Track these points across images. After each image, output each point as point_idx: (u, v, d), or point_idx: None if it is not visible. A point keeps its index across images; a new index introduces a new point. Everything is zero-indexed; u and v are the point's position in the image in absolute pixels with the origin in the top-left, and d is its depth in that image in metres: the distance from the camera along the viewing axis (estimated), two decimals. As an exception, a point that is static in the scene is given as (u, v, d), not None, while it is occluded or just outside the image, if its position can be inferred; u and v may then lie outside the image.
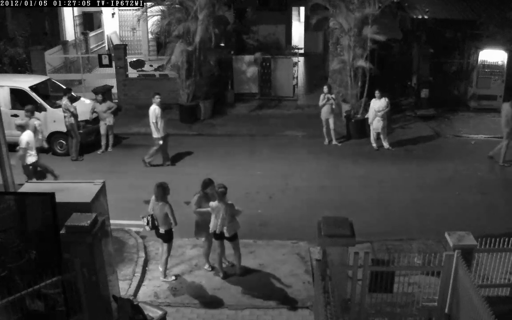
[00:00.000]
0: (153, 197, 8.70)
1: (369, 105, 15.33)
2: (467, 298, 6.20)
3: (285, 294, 8.60)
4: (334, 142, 15.55)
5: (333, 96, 15.34)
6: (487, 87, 18.46)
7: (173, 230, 8.82)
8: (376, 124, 15.01)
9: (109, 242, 7.40)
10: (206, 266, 9.27)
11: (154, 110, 13.42)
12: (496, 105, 18.45)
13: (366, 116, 15.57)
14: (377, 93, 14.82)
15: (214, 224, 8.63)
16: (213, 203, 8.60)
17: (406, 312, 7.19)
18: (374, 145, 15.22)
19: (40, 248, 6.48)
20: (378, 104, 14.80)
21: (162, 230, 8.70)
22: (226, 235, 8.72)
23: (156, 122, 13.39)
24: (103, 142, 14.97)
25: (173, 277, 9.08)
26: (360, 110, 16.23)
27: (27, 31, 19.95)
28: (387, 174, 13.58)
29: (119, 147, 15.51)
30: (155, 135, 13.58)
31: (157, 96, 13.60)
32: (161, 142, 13.61)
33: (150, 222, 8.65)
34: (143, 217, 8.74)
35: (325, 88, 15.32)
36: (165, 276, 9.03)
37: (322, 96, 15.24)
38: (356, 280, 6.85)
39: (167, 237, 8.78)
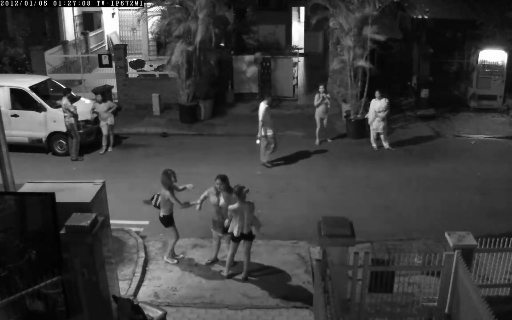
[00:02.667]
0: None
1: (369, 105, 15.33)
2: (467, 298, 6.20)
3: (285, 294, 8.59)
4: (318, 141, 15.51)
5: (328, 95, 15.31)
6: (487, 87, 18.47)
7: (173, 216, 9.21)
8: (376, 124, 15.00)
9: (109, 242, 7.40)
10: (212, 257, 9.39)
11: (265, 109, 13.36)
12: (496, 105, 18.51)
13: (366, 116, 15.56)
14: (377, 93, 14.82)
15: (239, 226, 8.53)
16: (235, 205, 8.46)
17: (406, 312, 7.19)
18: (374, 145, 15.22)
19: (40, 248, 6.47)
20: (378, 104, 14.79)
21: (160, 214, 9.16)
22: (255, 233, 8.72)
23: (264, 121, 13.39)
24: (104, 143, 14.97)
25: (175, 261, 9.44)
26: (360, 110, 16.23)
27: (27, 31, 19.95)
28: (387, 174, 13.58)
29: (119, 147, 15.51)
30: (270, 133, 13.53)
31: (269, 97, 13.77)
32: (263, 140, 13.62)
33: (154, 199, 9.26)
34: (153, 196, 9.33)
35: (321, 88, 15.26)
36: (167, 257, 9.44)
37: (317, 95, 15.17)
38: (356, 280, 6.85)
39: (165, 222, 9.18)
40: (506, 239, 7.29)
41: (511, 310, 7.05)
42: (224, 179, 8.86)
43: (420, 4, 19.76)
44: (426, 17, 19.27)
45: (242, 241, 8.77)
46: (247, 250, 8.88)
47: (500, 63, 18.35)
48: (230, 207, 8.53)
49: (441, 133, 16.64)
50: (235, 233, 8.59)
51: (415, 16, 19.56)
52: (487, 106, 18.47)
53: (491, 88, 18.46)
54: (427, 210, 11.54)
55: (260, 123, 13.45)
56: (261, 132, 13.51)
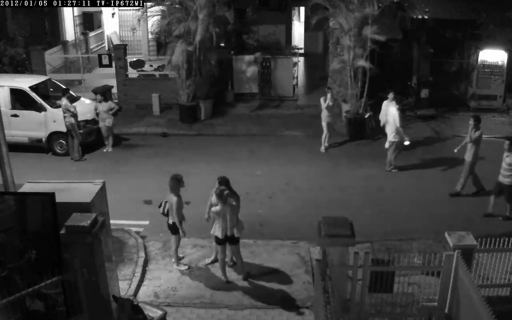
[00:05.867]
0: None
1: (369, 105, 15.29)
2: (467, 298, 6.20)
3: (285, 294, 8.60)
4: (327, 144, 15.19)
5: (332, 99, 15.09)
6: (487, 87, 18.49)
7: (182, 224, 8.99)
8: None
9: (109, 242, 7.40)
10: (213, 257, 9.37)
11: (396, 113, 13.17)
12: (496, 105, 18.53)
13: (380, 118, 15.07)
14: (390, 95, 14.52)
15: (222, 228, 8.50)
16: (217, 208, 8.44)
17: (406, 312, 7.19)
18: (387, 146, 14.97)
19: (40, 248, 6.48)
20: (391, 106, 14.55)
21: (170, 221, 8.94)
22: (237, 235, 8.65)
23: (397, 125, 13.13)
24: (106, 142, 15.08)
25: (186, 266, 9.31)
26: (360, 110, 16.23)
27: (27, 31, 19.96)
28: (387, 174, 13.57)
29: (119, 147, 15.52)
30: (393, 138, 13.25)
31: (395, 103, 13.54)
32: (392, 145, 13.39)
33: (162, 207, 9.00)
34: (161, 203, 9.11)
35: (329, 93, 14.85)
36: (177, 264, 9.32)
37: (323, 99, 14.74)
38: (356, 280, 6.85)
39: (174, 229, 8.96)
40: (506, 239, 7.29)
41: (511, 310, 7.04)
42: (221, 182, 8.65)
43: (420, 4, 19.79)
44: (426, 17, 19.29)
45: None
46: (235, 252, 8.89)
47: (500, 63, 18.35)
48: (213, 209, 8.52)
49: (441, 133, 16.64)
50: (219, 235, 8.57)
51: (415, 16, 19.59)
52: (487, 106, 18.47)
53: (491, 88, 18.47)
54: (427, 209, 11.53)
55: (399, 128, 13.13)
56: (396, 137, 13.19)
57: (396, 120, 13.11)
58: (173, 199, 8.69)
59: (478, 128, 11.82)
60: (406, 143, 13.63)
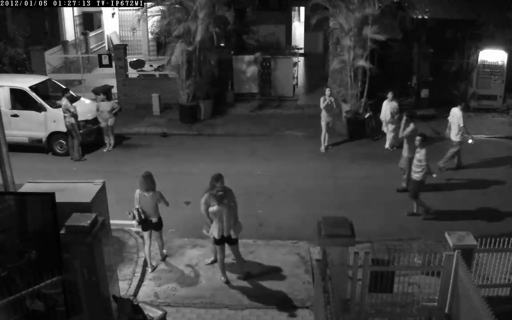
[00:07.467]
0: (137, 191, 8.86)
1: (369, 105, 15.26)
2: (467, 298, 6.20)
3: (285, 294, 8.60)
4: (326, 144, 15.20)
5: (332, 98, 14.98)
6: (487, 87, 18.49)
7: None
8: (390, 126, 14.83)
9: (109, 242, 7.41)
10: (213, 257, 9.38)
11: (462, 115, 13.18)
12: (496, 105, 18.53)
13: (381, 118, 15.09)
14: (390, 94, 14.55)
15: (219, 228, 8.47)
16: (214, 208, 8.41)
17: (406, 312, 7.19)
18: (387, 146, 15.06)
19: (40, 248, 6.48)
20: (391, 106, 14.59)
21: (154, 219, 8.96)
22: (234, 237, 8.60)
23: (460, 125, 13.15)
24: (106, 141, 15.10)
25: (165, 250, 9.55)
26: (360, 110, 16.22)
27: (27, 31, 19.97)
28: (387, 174, 13.56)
29: (119, 147, 15.52)
30: (456, 138, 13.32)
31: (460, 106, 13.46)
32: (458, 146, 13.44)
33: (137, 216, 8.77)
34: (129, 213, 8.84)
35: (327, 91, 14.86)
36: (164, 258, 9.51)
37: (322, 98, 14.73)
38: (356, 280, 6.85)
39: (159, 225, 9.08)
40: (506, 239, 7.29)
41: (511, 310, 7.04)
42: (213, 179, 8.63)
43: (420, 4, 19.78)
44: (426, 17, 19.27)
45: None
46: (235, 253, 8.88)
47: (500, 63, 18.35)
48: (210, 209, 8.51)
49: (441, 133, 16.59)
50: (216, 236, 8.55)
51: (415, 16, 19.57)
52: (487, 106, 18.48)
53: (491, 88, 18.47)
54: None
55: (463, 128, 13.16)
56: (459, 137, 13.24)
57: (460, 121, 13.15)
58: (156, 194, 8.83)
59: (409, 123, 12.10)
60: (470, 141, 13.66)
